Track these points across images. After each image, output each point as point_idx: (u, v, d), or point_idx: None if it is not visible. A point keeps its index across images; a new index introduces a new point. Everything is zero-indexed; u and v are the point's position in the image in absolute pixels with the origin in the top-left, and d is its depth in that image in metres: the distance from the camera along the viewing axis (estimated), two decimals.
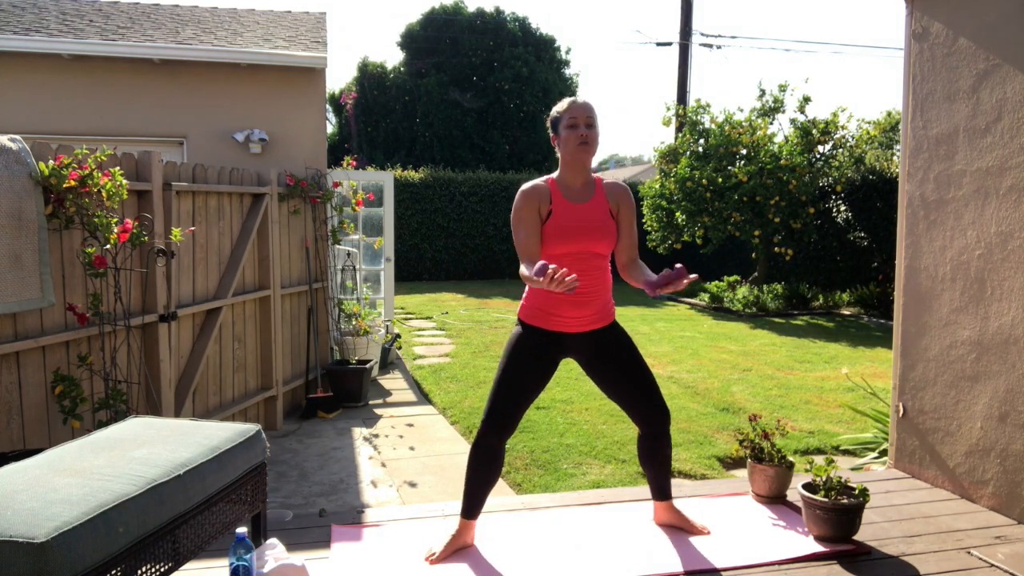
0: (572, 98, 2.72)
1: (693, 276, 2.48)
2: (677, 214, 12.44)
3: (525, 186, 2.70)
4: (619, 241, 2.78)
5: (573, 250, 2.64)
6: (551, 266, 2.22)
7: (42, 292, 3.03)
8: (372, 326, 6.44)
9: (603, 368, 2.81)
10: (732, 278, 12.42)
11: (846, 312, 11.27)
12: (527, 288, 2.80)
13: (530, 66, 20.39)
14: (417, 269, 15.93)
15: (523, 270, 2.50)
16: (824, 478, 2.89)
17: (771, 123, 12.12)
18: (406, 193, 15.59)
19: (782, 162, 11.31)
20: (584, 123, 2.65)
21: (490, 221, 16.32)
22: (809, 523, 2.88)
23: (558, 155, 2.74)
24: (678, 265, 2.48)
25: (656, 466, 2.91)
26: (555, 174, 2.76)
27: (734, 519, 3.08)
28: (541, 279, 2.23)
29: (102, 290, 3.41)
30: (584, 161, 2.68)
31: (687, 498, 3.30)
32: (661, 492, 2.96)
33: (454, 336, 8.89)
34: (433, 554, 2.72)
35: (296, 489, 4.02)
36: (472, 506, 2.78)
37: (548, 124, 2.77)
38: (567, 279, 2.19)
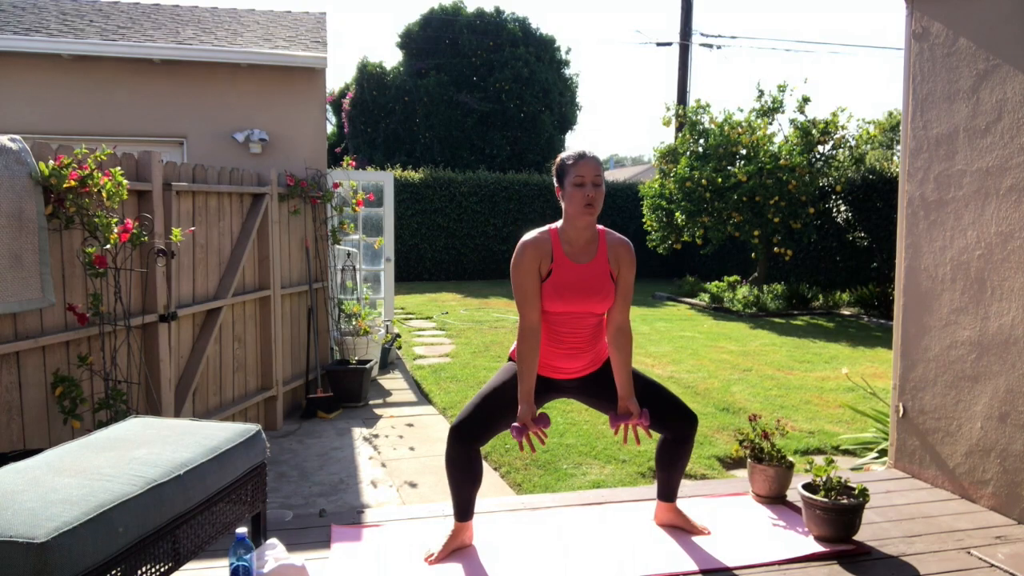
0: (581, 151, 2.62)
1: (646, 424, 2.65)
2: (677, 214, 12.44)
3: (527, 238, 2.65)
4: (614, 300, 2.72)
5: (570, 310, 2.64)
6: (524, 428, 2.55)
7: (42, 292, 3.03)
8: (372, 326, 6.44)
9: (607, 392, 2.79)
10: (732, 278, 12.42)
11: (846, 312, 11.27)
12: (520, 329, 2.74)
13: (530, 66, 20.37)
14: (417, 269, 15.93)
15: (516, 350, 2.68)
16: (824, 478, 2.89)
17: (770, 123, 12.12)
18: (406, 193, 15.58)
19: (782, 162, 11.31)
20: (592, 182, 2.57)
21: (490, 221, 16.32)
22: (809, 523, 2.88)
23: (561, 205, 2.66)
24: (644, 410, 2.67)
25: (673, 469, 2.90)
26: (558, 224, 2.69)
27: (734, 519, 3.08)
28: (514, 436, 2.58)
29: (102, 290, 3.41)
30: (589, 221, 2.62)
31: (687, 498, 3.30)
32: (669, 494, 2.96)
33: (454, 336, 8.89)
34: (432, 554, 2.72)
35: (296, 489, 4.02)
36: (463, 509, 2.77)
37: (554, 172, 2.69)
38: (540, 441, 2.57)
